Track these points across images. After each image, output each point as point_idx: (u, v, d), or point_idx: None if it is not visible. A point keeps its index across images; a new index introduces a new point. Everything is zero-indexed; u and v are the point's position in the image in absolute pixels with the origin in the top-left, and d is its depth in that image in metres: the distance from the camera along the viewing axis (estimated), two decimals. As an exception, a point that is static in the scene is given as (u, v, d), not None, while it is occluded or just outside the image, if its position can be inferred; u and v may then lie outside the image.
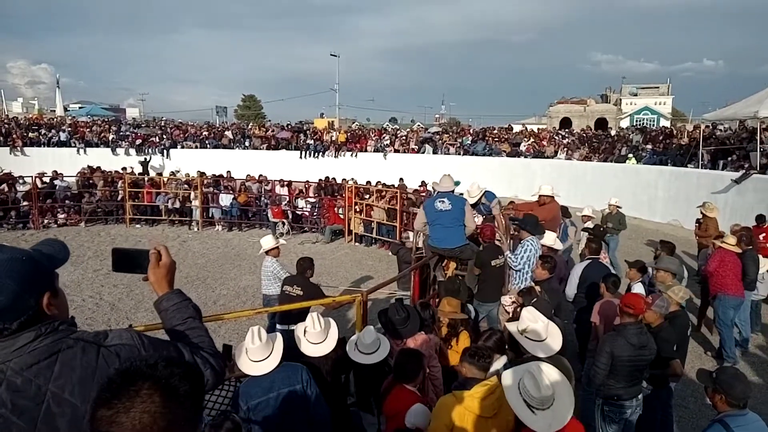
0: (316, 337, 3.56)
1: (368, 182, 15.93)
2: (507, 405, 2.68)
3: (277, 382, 3.03)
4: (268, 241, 6.94)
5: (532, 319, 3.45)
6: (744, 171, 14.16)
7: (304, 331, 3.61)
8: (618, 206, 10.45)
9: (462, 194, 6.60)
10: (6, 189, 15.65)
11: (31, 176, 15.41)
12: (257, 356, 3.08)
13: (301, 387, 3.05)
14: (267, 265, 6.84)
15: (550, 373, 2.61)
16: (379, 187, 14.84)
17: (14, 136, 23.30)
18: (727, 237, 7.16)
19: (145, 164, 21.97)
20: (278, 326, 5.63)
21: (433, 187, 6.76)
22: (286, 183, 16.35)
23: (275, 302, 6.38)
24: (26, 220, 15.05)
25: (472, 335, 4.49)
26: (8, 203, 15.20)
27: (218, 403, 3.26)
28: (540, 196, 7.71)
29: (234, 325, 7.60)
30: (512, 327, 3.51)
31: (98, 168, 18.16)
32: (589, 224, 9.14)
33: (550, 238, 6.44)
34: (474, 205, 6.66)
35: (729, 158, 15.76)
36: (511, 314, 4.69)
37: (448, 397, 2.85)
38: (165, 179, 17.16)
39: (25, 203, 15.31)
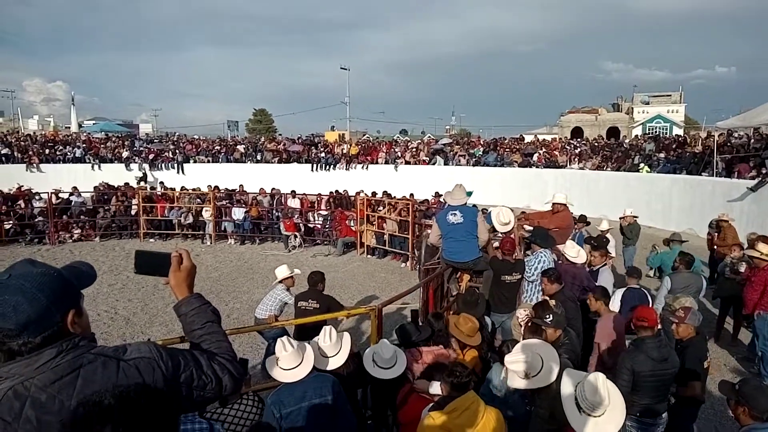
0: (329, 351, 3.56)
1: (374, 193, 15.92)
2: (484, 420, 2.78)
3: (310, 392, 3.11)
4: (282, 271, 6.71)
5: (519, 360, 3.28)
6: (760, 179, 13.97)
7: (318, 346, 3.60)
8: (635, 216, 10.34)
9: (487, 210, 6.39)
10: (23, 205, 15.92)
11: (47, 192, 15.64)
12: (288, 364, 3.16)
13: (332, 398, 3.13)
14: (277, 293, 6.61)
15: (611, 388, 2.79)
16: (386, 198, 14.80)
17: (31, 153, 23.66)
18: (762, 246, 6.51)
19: (143, 179, 22.35)
20: None
21: (444, 199, 6.64)
22: (298, 195, 16.44)
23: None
24: (42, 235, 15.24)
25: (482, 351, 4.42)
26: (25, 219, 15.47)
27: (237, 417, 3.27)
28: (553, 204, 7.64)
29: (248, 339, 7.58)
30: (519, 383, 3.27)
31: (119, 187, 18.48)
32: (609, 235, 8.83)
33: (572, 250, 6.15)
34: (509, 232, 6.33)
35: (742, 166, 15.54)
36: (523, 328, 4.60)
37: (426, 418, 2.88)
38: (178, 194, 17.29)
39: (40, 218, 15.54)
